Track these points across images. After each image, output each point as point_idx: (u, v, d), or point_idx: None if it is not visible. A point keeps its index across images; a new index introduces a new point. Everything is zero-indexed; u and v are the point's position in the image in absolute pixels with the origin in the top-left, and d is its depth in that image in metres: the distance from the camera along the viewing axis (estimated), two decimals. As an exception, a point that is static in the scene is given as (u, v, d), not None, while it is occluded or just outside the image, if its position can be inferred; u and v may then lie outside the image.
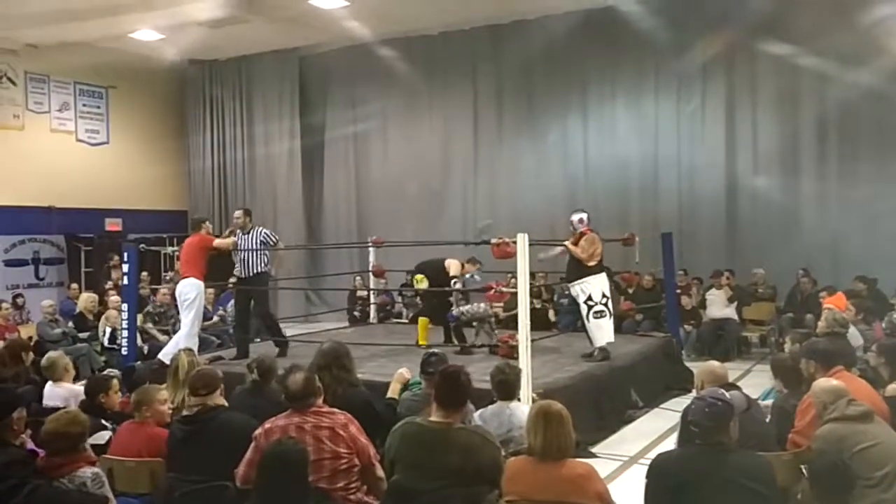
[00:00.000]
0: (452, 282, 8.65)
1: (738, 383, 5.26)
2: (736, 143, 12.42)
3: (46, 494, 3.52)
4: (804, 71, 11.55)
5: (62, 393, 5.63)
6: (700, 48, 12.23)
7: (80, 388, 5.68)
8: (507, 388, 4.88)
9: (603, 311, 7.90)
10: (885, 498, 3.74)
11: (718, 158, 12.46)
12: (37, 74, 14.20)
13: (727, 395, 3.62)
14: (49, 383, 5.77)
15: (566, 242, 8.22)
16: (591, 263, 7.95)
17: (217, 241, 8.40)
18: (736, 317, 11.09)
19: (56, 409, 4.60)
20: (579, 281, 8.00)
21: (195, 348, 7.97)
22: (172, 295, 9.42)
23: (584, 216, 8.22)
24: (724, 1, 11.71)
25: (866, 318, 7.96)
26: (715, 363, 4.85)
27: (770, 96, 12.18)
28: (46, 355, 6.06)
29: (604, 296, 7.93)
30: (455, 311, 8.55)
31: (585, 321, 8.02)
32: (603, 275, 8.08)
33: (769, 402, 5.23)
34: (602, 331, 7.95)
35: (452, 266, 8.76)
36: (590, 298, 7.92)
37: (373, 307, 12.20)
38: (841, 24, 10.88)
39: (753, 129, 12.32)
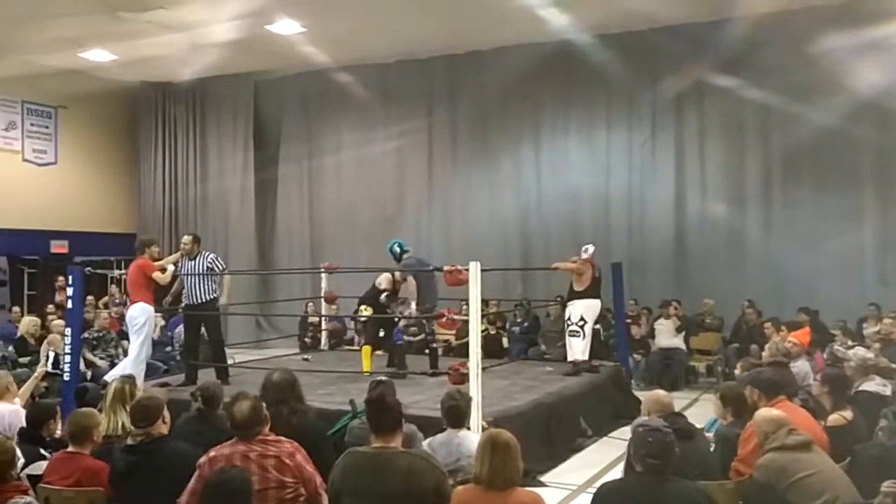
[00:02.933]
0: (383, 295, 8.83)
1: (685, 412, 5.33)
2: (685, 176, 12.72)
3: (-23, 526, 3.40)
4: (751, 105, 11.91)
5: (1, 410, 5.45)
6: (651, 83, 12.55)
7: (19, 406, 5.53)
8: (457, 415, 4.88)
9: (577, 332, 8.99)
10: (823, 525, 3.82)
11: (668, 190, 12.74)
12: (-18, 93, 13.92)
13: (665, 423, 3.69)
14: None
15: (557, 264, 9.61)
16: (578, 289, 9.12)
17: (156, 275, 8.18)
18: (684, 346, 11.26)
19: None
20: (569, 303, 9.21)
21: (142, 374, 7.85)
22: (119, 319, 9.23)
23: (587, 248, 9.35)
24: (675, 37, 12.01)
25: (808, 348, 8.15)
26: (661, 392, 4.93)
27: (718, 130, 12.52)
28: None
29: (582, 318, 8.96)
30: (400, 326, 8.63)
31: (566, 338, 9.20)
32: (588, 301, 9.04)
33: (712, 433, 5.30)
34: (573, 348, 9.02)
35: (383, 280, 9.00)
36: (569, 319, 9.09)
37: (324, 333, 12.10)
38: (785, 61, 11.23)
39: (702, 162, 12.63)
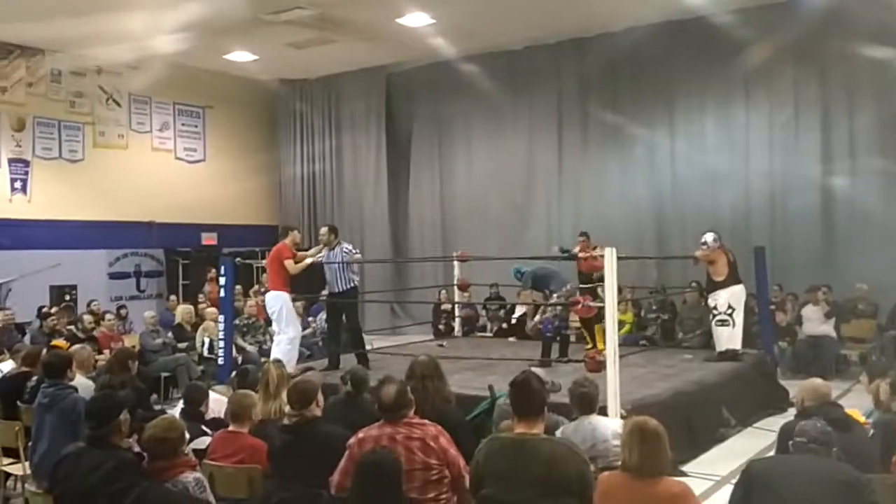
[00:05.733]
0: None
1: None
2: (832, 154, 12.00)
3: (155, 496, 3.65)
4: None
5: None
6: (793, 58, 11.92)
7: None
8: (587, 401, 4.86)
9: (726, 321, 8.83)
10: None
11: (814, 170, 12.04)
12: (140, 96, 14.93)
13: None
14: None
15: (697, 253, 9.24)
16: (718, 279, 8.97)
17: (287, 263, 8.37)
18: (834, 334, 10.68)
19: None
20: (711, 294, 9.08)
21: (290, 358, 8.16)
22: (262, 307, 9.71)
23: (710, 237, 9.05)
24: (817, 6, 11.33)
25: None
26: (818, 380, 4.70)
27: (868, 102, 11.70)
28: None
29: (730, 307, 8.81)
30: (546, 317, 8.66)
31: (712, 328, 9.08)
32: (733, 288, 8.90)
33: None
34: (721, 337, 8.87)
35: None
36: (715, 308, 8.93)
37: (457, 320, 12.27)
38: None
39: (850, 139, 11.87)
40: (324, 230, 9.03)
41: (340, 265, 8.69)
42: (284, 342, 8.47)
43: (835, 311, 10.74)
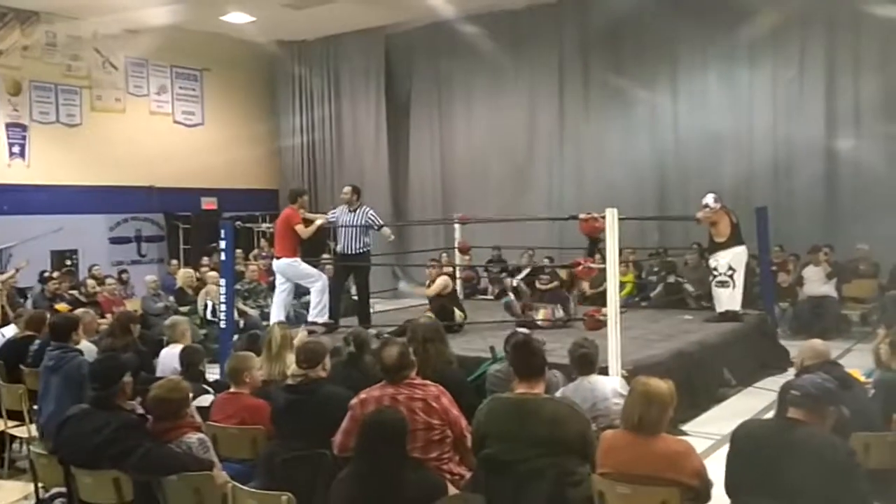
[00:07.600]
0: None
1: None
2: (836, 114, 11.89)
3: (159, 456, 3.70)
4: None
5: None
6: (799, 14, 11.74)
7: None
8: (587, 362, 4.89)
9: (726, 282, 8.80)
10: None
11: (817, 129, 11.97)
12: (136, 59, 14.76)
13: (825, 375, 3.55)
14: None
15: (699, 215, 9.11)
16: (719, 239, 8.92)
17: (298, 227, 8.37)
18: (835, 294, 10.69)
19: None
20: (712, 255, 9.03)
21: (325, 305, 8.37)
22: (268, 271, 9.70)
23: (711, 198, 8.97)
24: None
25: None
26: (817, 341, 4.73)
27: (874, 61, 11.55)
28: (172, 318, 6.60)
29: (730, 268, 8.79)
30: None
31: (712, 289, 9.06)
32: (735, 249, 8.85)
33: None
34: (721, 298, 8.85)
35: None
36: (715, 269, 8.90)
37: (458, 283, 12.25)
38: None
39: (856, 99, 11.75)
40: (347, 189, 8.91)
41: (358, 228, 8.62)
42: (317, 291, 8.45)
43: (836, 272, 10.75)
